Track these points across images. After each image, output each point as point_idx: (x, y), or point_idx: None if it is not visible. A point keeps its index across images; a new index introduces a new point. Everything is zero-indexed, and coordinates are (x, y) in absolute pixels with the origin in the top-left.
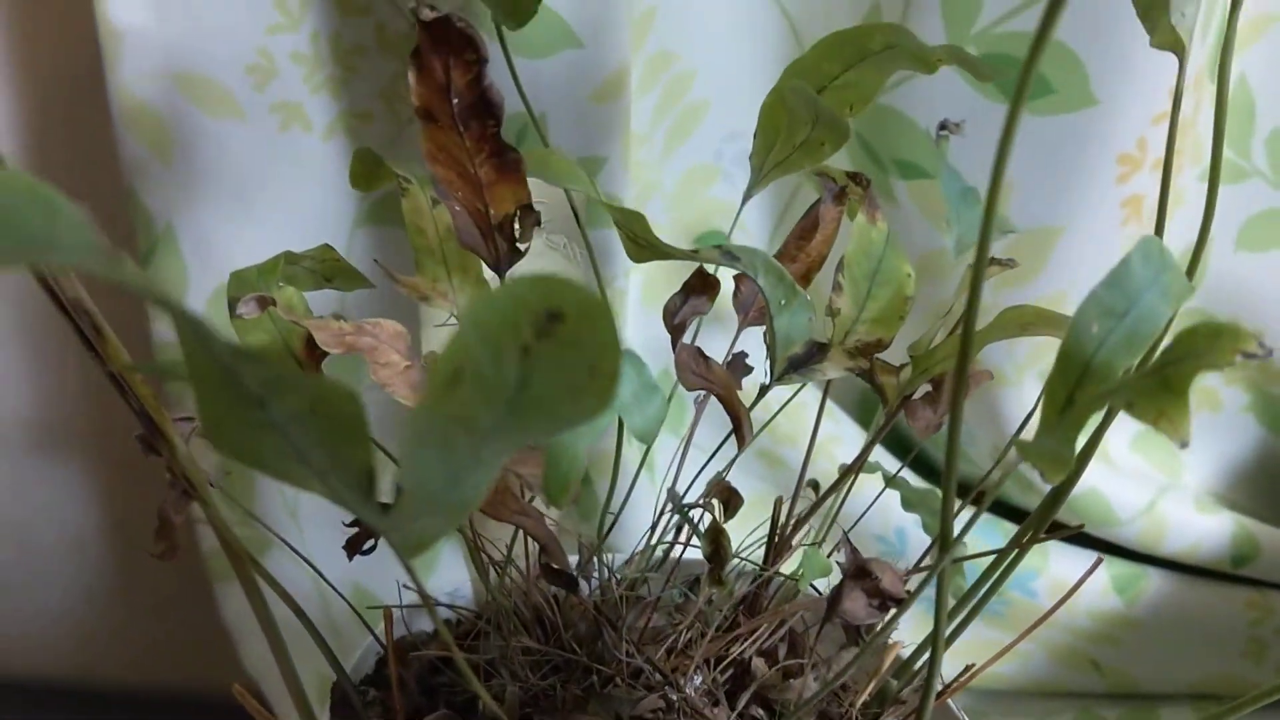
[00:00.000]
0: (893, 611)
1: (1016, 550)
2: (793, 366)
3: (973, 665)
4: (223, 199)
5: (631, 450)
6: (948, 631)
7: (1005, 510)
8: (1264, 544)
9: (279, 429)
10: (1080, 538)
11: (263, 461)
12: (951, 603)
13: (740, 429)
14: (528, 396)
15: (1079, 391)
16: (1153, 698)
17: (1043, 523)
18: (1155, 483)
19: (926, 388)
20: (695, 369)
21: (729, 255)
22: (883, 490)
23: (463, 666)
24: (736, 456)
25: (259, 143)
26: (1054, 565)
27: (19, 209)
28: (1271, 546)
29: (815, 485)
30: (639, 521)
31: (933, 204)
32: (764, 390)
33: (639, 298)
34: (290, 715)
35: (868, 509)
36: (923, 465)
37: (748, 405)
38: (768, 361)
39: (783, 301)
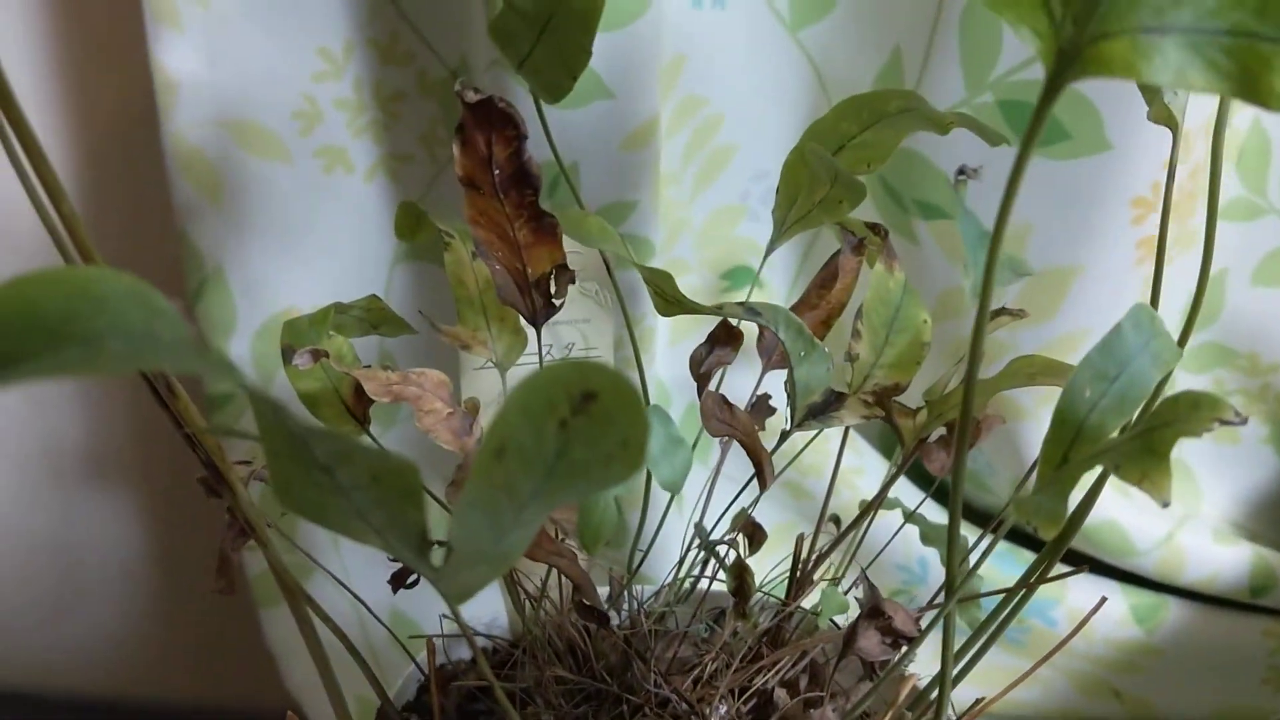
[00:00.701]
0: (904, 649)
1: (1025, 590)
2: (812, 414)
3: (984, 698)
4: (270, 238)
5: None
6: (964, 662)
7: (1024, 539)
8: None
9: (344, 493)
10: (1100, 568)
11: (327, 519)
12: (967, 634)
13: (762, 472)
14: (565, 465)
15: (1073, 451)
16: None
17: (1052, 559)
18: (1174, 514)
19: (941, 431)
20: (720, 416)
21: (752, 312)
22: (902, 525)
23: (500, 697)
24: (759, 496)
25: (304, 185)
26: (1073, 595)
27: (125, 310)
28: None
29: (837, 520)
30: (668, 551)
31: (953, 244)
32: (784, 436)
33: (667, 336)
34: None
35: (886, 544)
36: (945, 495)
37: (771, 445)
38: (789, 408)
39: (802, 353)
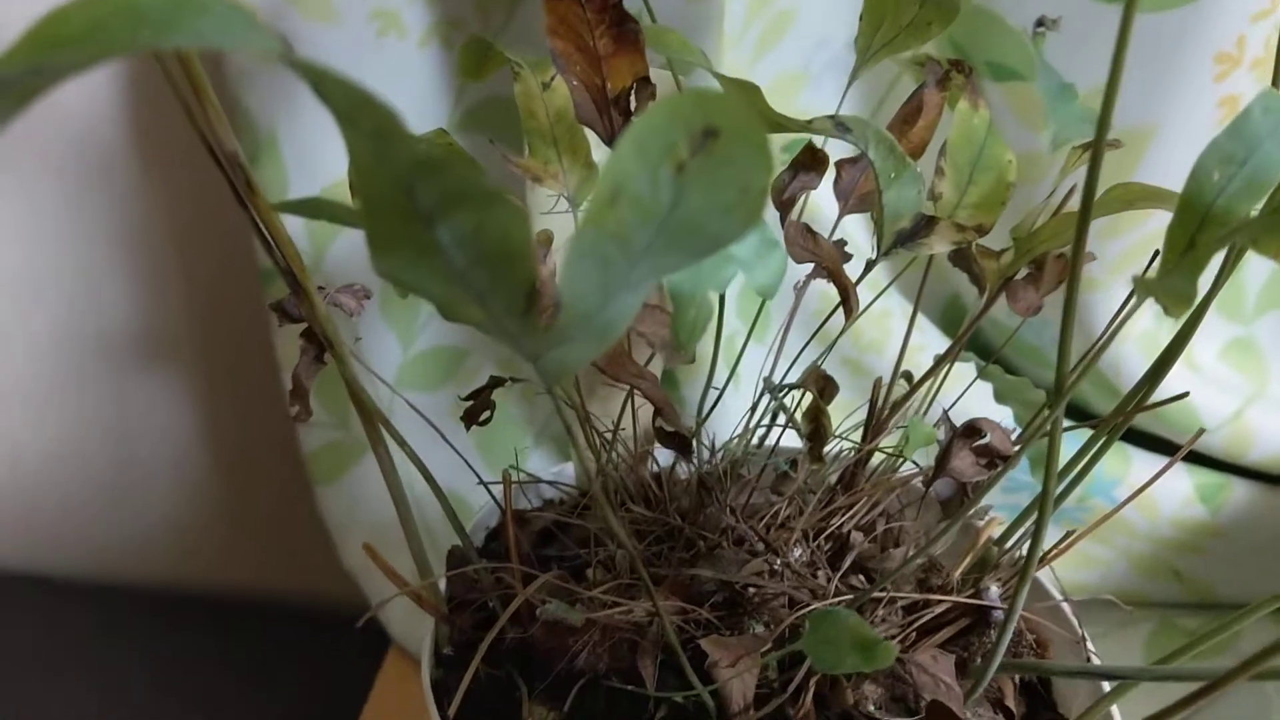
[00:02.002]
0: (1000, 468)
1: (1122, 420)
2: (900, 241)
3: (1074, 530)
4: (323, 106)
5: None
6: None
7: (1084, 418)
8: None
9: (443, 251)
10: (1163, 446)
11: (423, 283)
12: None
13: (848, 301)
14: (679, 217)
15: (1200, 235)
16: (1233, 607)
17: (1154, 384)
18: (1242, 392)
19: (1028, 269)
20: (803, 244)
21: (841, 126)
22: (974, 380)
23: (602, 501)
24: (844, 329)
25: (357, 49)
26: (1136, 473)
27: (227, 18)
28: None
29: (909, 376)
30: (731, 423)
31: (1025, 106)
32: (870, 265)
33: None
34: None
35: (960, 396)
36: (1007, 367)
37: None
38: (874, 237)
39: (892, 174)
